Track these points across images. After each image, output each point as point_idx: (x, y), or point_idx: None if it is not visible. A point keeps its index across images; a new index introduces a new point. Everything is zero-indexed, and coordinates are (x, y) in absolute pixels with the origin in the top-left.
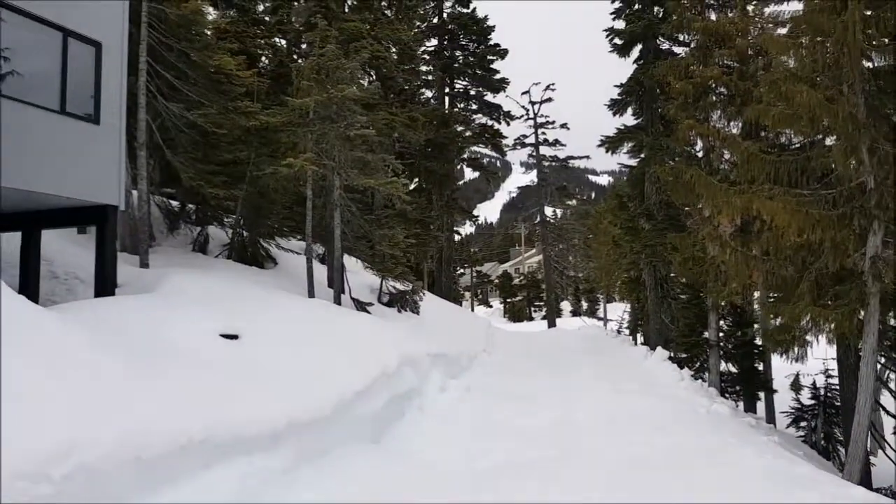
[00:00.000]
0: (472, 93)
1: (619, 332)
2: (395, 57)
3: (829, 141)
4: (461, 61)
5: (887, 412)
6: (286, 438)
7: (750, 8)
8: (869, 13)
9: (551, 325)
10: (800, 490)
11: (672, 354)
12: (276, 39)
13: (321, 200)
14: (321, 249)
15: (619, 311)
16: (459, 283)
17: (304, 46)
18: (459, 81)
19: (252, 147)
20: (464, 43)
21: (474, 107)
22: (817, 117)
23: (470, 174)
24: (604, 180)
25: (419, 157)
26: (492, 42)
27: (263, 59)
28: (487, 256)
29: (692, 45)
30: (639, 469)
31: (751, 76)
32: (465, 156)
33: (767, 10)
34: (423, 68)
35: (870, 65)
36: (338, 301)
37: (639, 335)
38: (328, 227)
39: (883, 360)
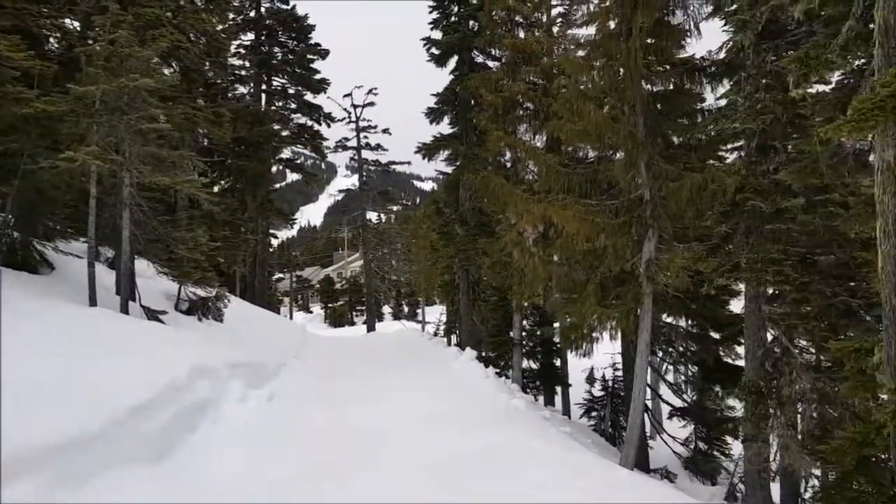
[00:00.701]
0: (291, 92)
1: (435, 334)
2: (203, 48)
3: (618, 156)
4: (279, 58)
5: (664, 401)
6: (39, 463)
7: (555, 29)
8: (650, 41)
9: (371, 329)
10: (576, 477)
11: (482, 354)
12: (67, 21)
13: (112, 199)
14: (111, 253)
15: (437, 313)
16: (278, 288)
17: (98, 30)
18: (277, 79)
19: (29, 138)
20: (283, 40)
21: (293, 106)
22: (604, 134)
23: (294, 175)
24: (428, 186)
25: (231, 155)
26: (312, 41)
27: (52, 41)
28: (310, 261)
29: (503, 61)
30: (441, 467)
31: (554, 93)
32: (283, 156)
33: (570, 33)
34: (237, 62)
35: (651, 88)
36: (125, 309)
37: (454, 337)
38: (118, 227)
39: (661, 354)
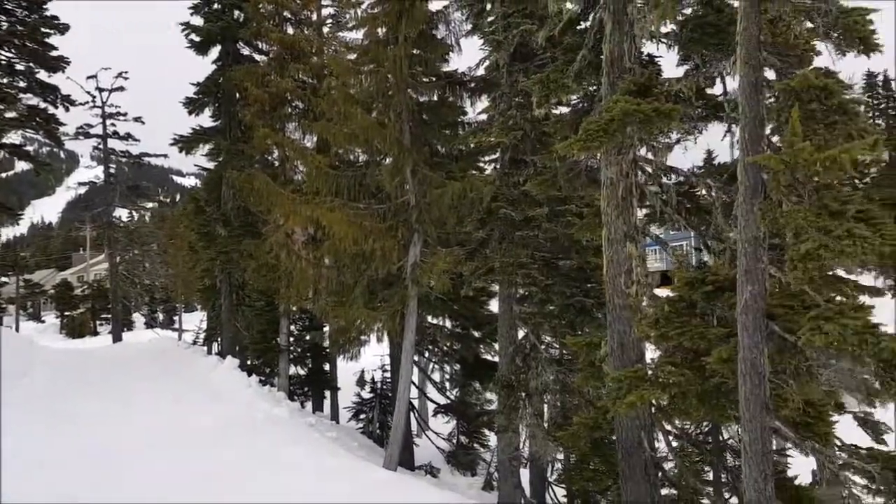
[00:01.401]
0: (21, 68)
1: (194, 342)
2: None
3: (387, 161)
4: (5, 29)
5: (430, 399)
6: None
7: (325, 29)
8: (416, 52)
9: (117, 339)
10: (330, 481)
11: (247, 362)
12: None
13: None
14: None
15: (198, 320)
16: (1, 294)
17: None
18: (3, 52)
19: None
20: (10, 7)
21: (22, 84)
22: (372, 139)
23: (23, 164)
24: (190, 182)
25: None
26: (48, 12)
27: None
28: (43, 262)
29: (270, 55)
30: (191, 482)
31: (323, 94)
32: (9, 141)
33: (341, 35)
34: None
35: (418, 97)
36: None
37: (215, 345)
38: None
39: (427, 354)
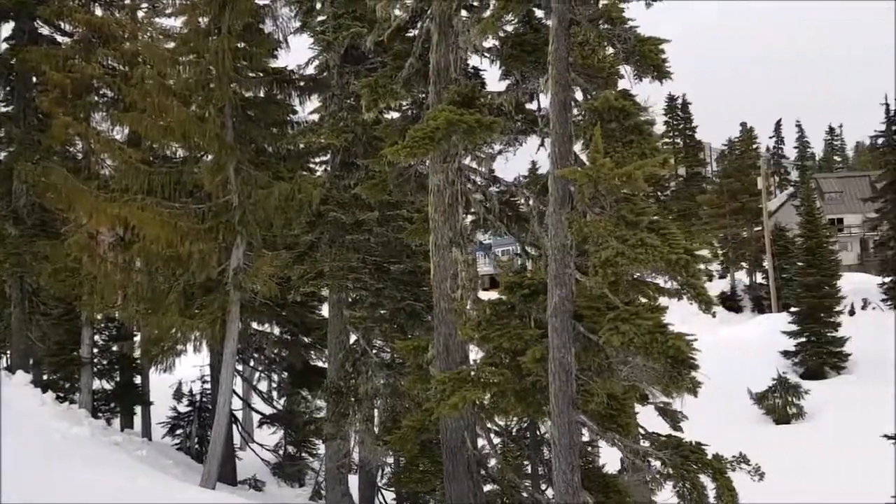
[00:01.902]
0: None
1: None
2: None
3: (207, 158)
4: None
5: (255, 409)
6: None
7: (140, 14)
8: (242, 45)
9: None
10: None
11: (42, 377)
12: None
13: None
14: None
15: None
16: None
17: None
18: None
19: None
20: None
21: None
22: (190, 134)
23: None
24: None
25: None
26: None
27: None
28: None
29: (75, 37)
30: None
31: (136, 83)
32: None
33: (157, 21)
34: None
35: (243, 92)
36: None
37: (3, 359)
38: None
39: (252, 363)
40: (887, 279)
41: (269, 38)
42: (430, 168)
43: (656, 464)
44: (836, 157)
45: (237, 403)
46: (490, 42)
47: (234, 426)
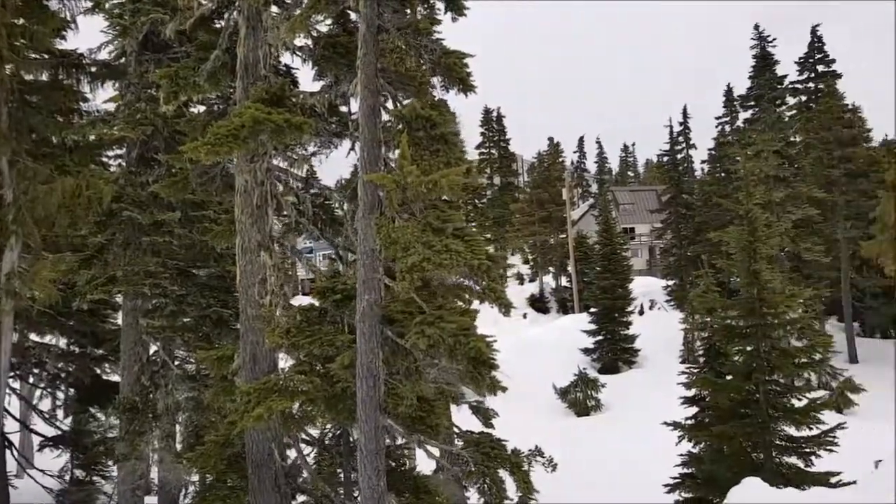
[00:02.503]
0: None
1: None
2: None
3: None
4: None
5: (35, 432)
6: None
7: None
8: (21, 21)
9: None
10: None
11: None
12: None
13: None
14: None
15: None
16: None
17: None
18: None
19: None
20: None
21: None
22: None
23: None
24: None
25: None
26: None
27: None
28: None
29: None
30: None
31: None
32: None
33: None
34: None
35: (23, 75)
36: None
37: None
38: None
39: (32, 380)
40: (670, 282)
41: (55, 17)
42: (236, 167)
43: (465, 461)
44: (629, 172)
45: (12, 425)
46: (302, 41)
47: (9, 451)
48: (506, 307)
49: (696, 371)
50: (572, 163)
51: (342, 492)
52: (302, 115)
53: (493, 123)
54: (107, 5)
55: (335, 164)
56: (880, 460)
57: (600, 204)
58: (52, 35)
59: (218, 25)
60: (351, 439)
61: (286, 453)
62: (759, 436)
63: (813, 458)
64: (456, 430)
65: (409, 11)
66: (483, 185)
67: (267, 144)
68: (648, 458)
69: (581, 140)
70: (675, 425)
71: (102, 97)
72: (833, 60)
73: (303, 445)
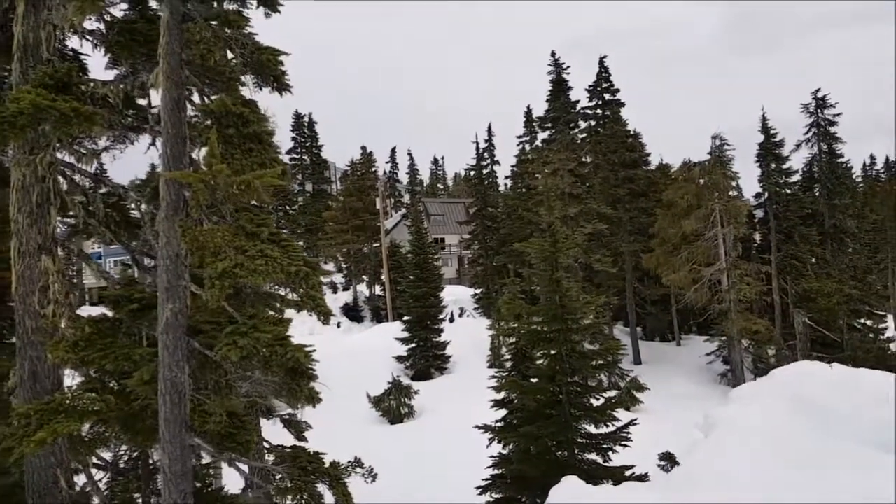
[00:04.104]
0: None
1: None
2: None
3: None
4: None
5: None
6: None
7: None
8: None
9: None
10: None
11: None
12: None
13: None
14: None
15: None
16: None
17: None
18: None
19: None
20: None
21: None
22: None
23: None
24: None
25: None
26: None
27: None
28: None
29: None
30: None
31: None
32: None
33: None
34: None
35: None
36: None
37: None
38: None
39: None
40: (478, 290)
41: None
42: (12, 160)
43: (280, 477)
44: (439, 185)
45: None
46: (94, 24)
47: None
48: (325, 315)
49: (504, 375)
50: (385, 172)
51: None
52: (93, 104)
53: (304, 128)
54: None
55: (130, 163)
56: (665, 453)
57: (412, 214)
58: None
59: None
60: (150, 461)
61: (73, 480)
62: (562, 434)
63: (610, 453)
64: (266, 444)
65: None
66: (294, 191)
67: (50, 135)
68: (461, 462)
69: (393, 151)
70: (486, 428)
71: None
72: (618, 90)
73: (93, 470)
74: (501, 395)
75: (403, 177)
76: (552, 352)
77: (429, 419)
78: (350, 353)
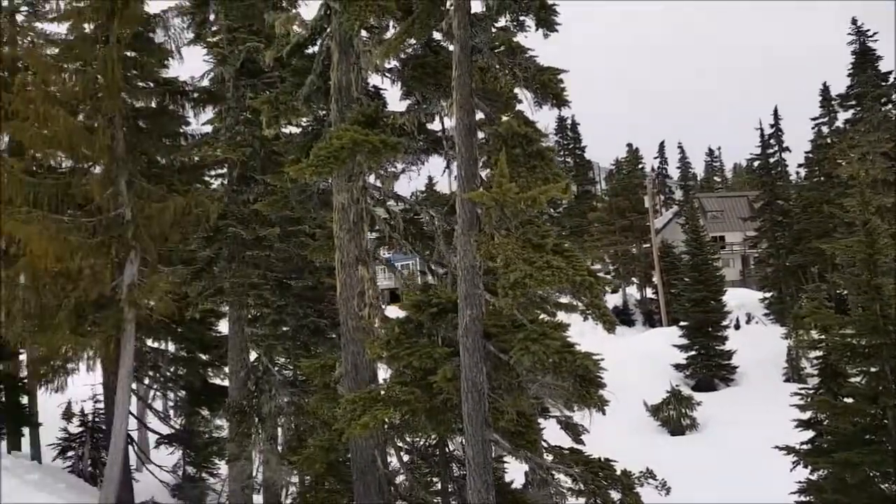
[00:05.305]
0: None
1: None
2: None
3: (97, 169)
4: None
5: (151, 429)
6: None
7: (20, 17)
8: (132, 54)
9: None
10: None
11: None
12: None
13: None
14: None
15: None
16: None
17: None
18: None
19: None
20: None
21: None
22: (77, 145)
23: None
24: None
25: None
26: None
27: None
28: None
29: None
30: None
31: (17, 90)
32: None
33: (39, 26)
34: None
35: (134, 103)
36: None
37: None
38: None
39: (147, 381)
40: (768, 294)
41: (161, 48)
42: (334, 186)
43: (560, 477)
44: (715, 178)
45: (132, 423)
46: (391, 63)
47: (130, 447)
48: (610, 324)
49: (810, 392)
50: (653, 169)
51: (438, 501)
52: (393, 134)
53: (567, 131)
54: (207, 36)
55: (407, 177)
56: None
57: (686, 212)
58: (158, 65)
59: (311, 51)
60: (447, 450)
61: (387, 460)
62: (889, 464)
63: None
64: (545, 445)
65: (497, 30)
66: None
67: (363, 164)
68: (756, 483)
69: (662, 145)
70: (789, 450)
71: (202, 120)
72: None
73: (402, 454)
74: (807, 415)
75: (674, 172)
76: (872, 369)
77: (715, 433)
78: (622, 357)
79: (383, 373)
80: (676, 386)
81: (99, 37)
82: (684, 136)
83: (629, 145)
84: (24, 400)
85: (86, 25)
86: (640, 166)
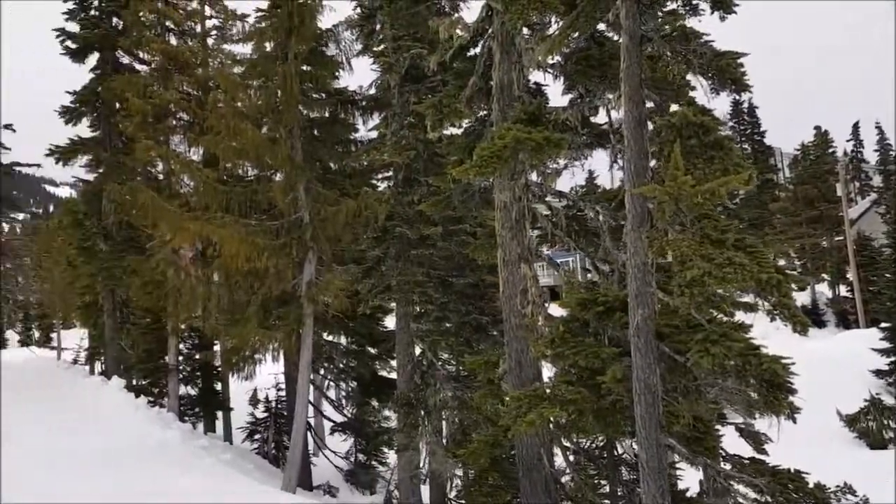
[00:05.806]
0: None
1: (75, 362)
2: None
3: (279, 177)
4: None
5: (326, 417)
6: None
7: (210, 41)
8: (306, 68)
9: None
10: None
11: (133, 382)
12: None
13: None
14: None
15: (78, 338)
16: None
17: None
18: None
19: None
20: None
21: None
22: (262, 155)
23: None
24: (65, 192)
25: None
26: None
27: None
28: None
29: (153, 66)
30: None
31: (210, 107)
32: None
33: (226, 48)
34: None
35: (309, 114)
36: None
37: (98, 364)
38: None
39: (322, 372)
40: None
41: (332, 61)
42: (496, 185)
43: (738, 487)
44: None
45: (310, 411)
46: (553, 58)
47: (308, 433)
48: (802, 325)
49: None
50: (846, 153)
51: (607, 503)
52: (556, 130)
53: (743, 116)
54: (374, 46)
55: (570, 172)
56: None
57: (887, 199)
58: (330, 77)
59: (472, 53)
60: (615, 452)
61: (553, 459)
62: None
63: None
64: (722, 452)
65: (664, 14)
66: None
67: (525, 163)
68: None
69: (856, 126)
70: None
71: (369, 126)
72: None
73: (568, 454)
74: None
75: (871, 155)
76: None
77: None
78: (811, 361)
79: (548, 371)
80: (877, 394)
81: (278, 54)
82: (882, 115)
83: (817, 127)
84: (218, 386)
85: (267, 44)
86: (831, 150)
